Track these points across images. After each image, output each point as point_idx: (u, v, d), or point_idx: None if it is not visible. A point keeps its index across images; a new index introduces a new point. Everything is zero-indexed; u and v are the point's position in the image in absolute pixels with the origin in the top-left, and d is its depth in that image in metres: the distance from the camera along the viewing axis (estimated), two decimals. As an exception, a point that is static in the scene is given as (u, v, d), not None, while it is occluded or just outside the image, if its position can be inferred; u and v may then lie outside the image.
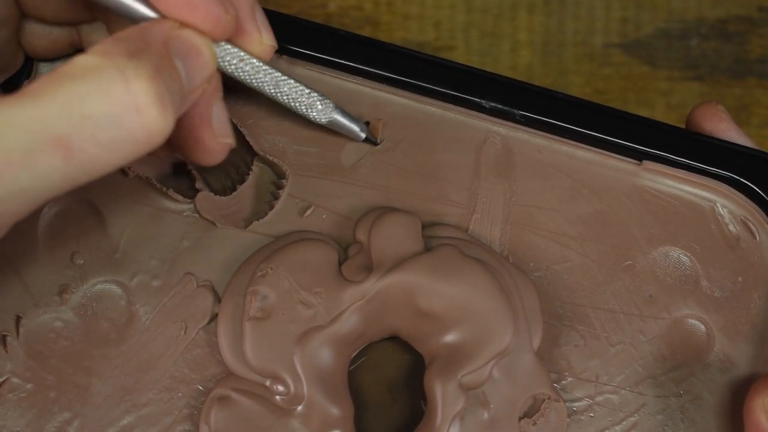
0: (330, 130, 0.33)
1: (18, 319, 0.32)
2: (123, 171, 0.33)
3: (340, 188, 0.33)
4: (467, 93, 0.33)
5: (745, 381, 0.33)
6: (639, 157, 0.34)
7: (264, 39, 0.29)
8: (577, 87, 0.59)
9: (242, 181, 0.33)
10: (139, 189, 0.33)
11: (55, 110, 0.23)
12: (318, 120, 0.32)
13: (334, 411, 0.30)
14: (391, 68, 0.33)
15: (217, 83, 0.28)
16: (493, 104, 0.33)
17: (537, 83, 0.35)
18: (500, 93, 0.34)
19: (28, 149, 0.22)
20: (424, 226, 0.32)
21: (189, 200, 0.33)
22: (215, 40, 0.27)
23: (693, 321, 0.33)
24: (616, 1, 0.59)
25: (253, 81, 0.30)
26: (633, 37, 0.59)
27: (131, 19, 0.27)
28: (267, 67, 0.30)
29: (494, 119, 0.34)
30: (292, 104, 0.31)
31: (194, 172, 0.33)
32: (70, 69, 0.23)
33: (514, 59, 0.59)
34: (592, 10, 0.59)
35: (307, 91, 0.31)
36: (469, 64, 0.34)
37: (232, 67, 0.29)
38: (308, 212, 0.33)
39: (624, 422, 0.33)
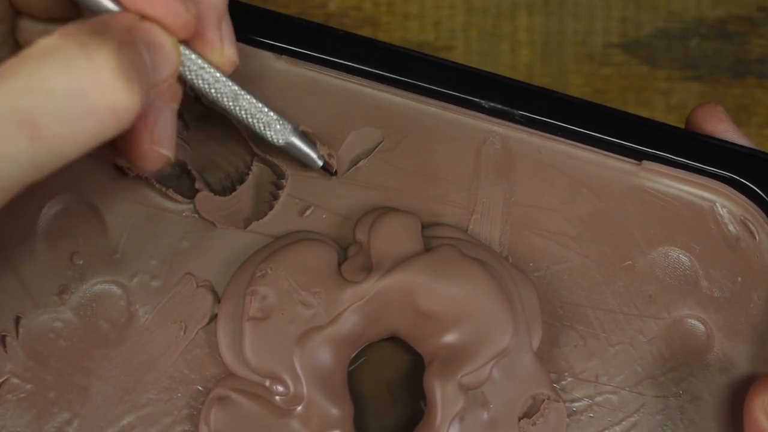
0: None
1: (17, 319, 0.32)
2: (123, 171, 0.33)
3: (340, 188, 0.33)
4: (467, 93, 0.33)
5: (745, 381, 0.33)
6: (639, 157, 0.34)
7: (226, 52, 0.29)
8: (577, 87, 0.59)
9: (242, 182, 0.33)
10: (138, 189, 0.33)
11: (17, 88, 0.23)
12: (274, 141, 0.31)
13: (334, 411, 0.30)
14: (391, 68, 0.33)
15: (173, 92, 0.28)
16: (492, 104, 0.33)
17: (537, 83, 0.35)
18: (500, 93, 0.33)
19: None
20: (424, 226, 0.32)
21: (189, 200, 0.33)
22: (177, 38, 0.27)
23: (692, 321, 0.33)
24: (616, 1, 0.59)
25: (212, 91, 0.29)
26: (633, 37, 0.59)
27: (94, 11, 0.27)
28: (226, 79, 0.29)
29: (494, 119, 0.34)
30: (250, 120, 0.30)
31: (194, 172, 0.33)
32: (32, 50, 0.23)
33: (514, 59, 0.59)
34: (592, 10, 0.59)
35: (266, 109, 0.30)
36: (468, 64, 0.34)
37: (192, 74, 0.28)
38: (308, 212, 0.33)
39: (623, 422, 0.33)
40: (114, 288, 0.32)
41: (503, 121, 0.34)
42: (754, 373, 0.33)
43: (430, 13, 0.59)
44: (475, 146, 0.34)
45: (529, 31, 0.59)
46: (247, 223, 0.33)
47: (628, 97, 0.59)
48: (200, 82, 0.29)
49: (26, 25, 0.31)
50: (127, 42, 0.25)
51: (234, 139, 0.33)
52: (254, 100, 0.30)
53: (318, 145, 0.32)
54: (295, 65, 0.34)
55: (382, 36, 0.58)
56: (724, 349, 0.33)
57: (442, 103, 0.34)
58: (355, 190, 0.33)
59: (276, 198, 0.33)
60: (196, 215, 0.33)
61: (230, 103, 0.30)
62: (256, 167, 0.34)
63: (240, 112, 0.30)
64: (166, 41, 0.26)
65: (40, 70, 0.23)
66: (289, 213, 0.33)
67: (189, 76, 0.29)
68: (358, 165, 0.33)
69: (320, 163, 0.32)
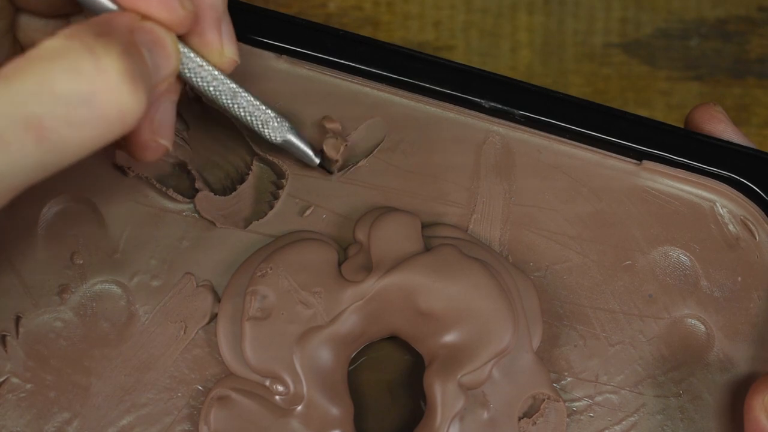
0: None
1: (18, 319, 0.32)
2: (123, 171, 0.33)
3: (340, 188, 0.33)
4: (467, 93, 0.33)
5: (745, 381, 0.33)
6: (639, 157, 0.34)
7: (225, 51, 0.29)
8: (577, 87, 0.59)
9: (242, 181, 0.33)
10: (139, 189, 0.33)
11: (25, 91, 0.23)
12: (272, 138, 0.31)
13: (334, 411, 0.30)
14: (391, 68, 0.33)
15: (174, 85, 0.28)
16: (492, 104, 0.33)
17: (537, 83, 0.35)
18: (500, 93, 0.34)
19: None
20: (424, 226, 0.32)
21: (189, 200, 0.33)
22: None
23: (693, 321, 0.33)
24: (616, 1, 0.59)
25: (210, 89, 0.29)
26: (633, 37, 0.59)
27: (92, 10, 0.27)
28: (224, 78, 0.29)
29: (494, 119, 0.34)
30: (248, 118, 0.30)
31: (194, 172, 0.33)
32: (39, 51, 0.23)
33: (514, 59, 0.59)
34: (592, 10, 0.59)
35: (264, 107, 0.30)
36: (469, 64, 0.34)
37: (191, 72, 0.29)
38: (308, 212, 0.33)
39: (623, 422, 0.33)
40: (114, 288, 0.32)
41: (503, 121, 0.34)
42: (754, 372, 0.33)
43: (430, 13, 0.59)
44: (475, 146, 0.34)
45: (529, 31, 0.59)
46: (247, 223, 0.33)
47: (628, 97, 0.59)
48: (199, 80, 0.29)
49: (26, 22, 0.31)
50: (131, 44, 0.25)
51: (234, 139, 0.33)
52: (252, 98, 0.30)
53: (333, 138, 0.32)
54: (295, 65, 0.34)
55: (382, 36, 0.58)
56: (724, 348, 0.33)
57: (442, 103, 0.34)
58: (355, 190, 0.33)
59: (276, 198, 0.33)
60: (196, 215, 0.33)
61: (228, 101, 0.30)
62: (256, 167, 0.34)
63: (238, 110, 0.30)
64: (166, 40, 0.27)
65: (47, 73, 0.23)
66: (289, 213, 0.33)
67: (188, 75, 0.29)
68: (358, 165, 0.33)
69: (317, 161, 0.32)
